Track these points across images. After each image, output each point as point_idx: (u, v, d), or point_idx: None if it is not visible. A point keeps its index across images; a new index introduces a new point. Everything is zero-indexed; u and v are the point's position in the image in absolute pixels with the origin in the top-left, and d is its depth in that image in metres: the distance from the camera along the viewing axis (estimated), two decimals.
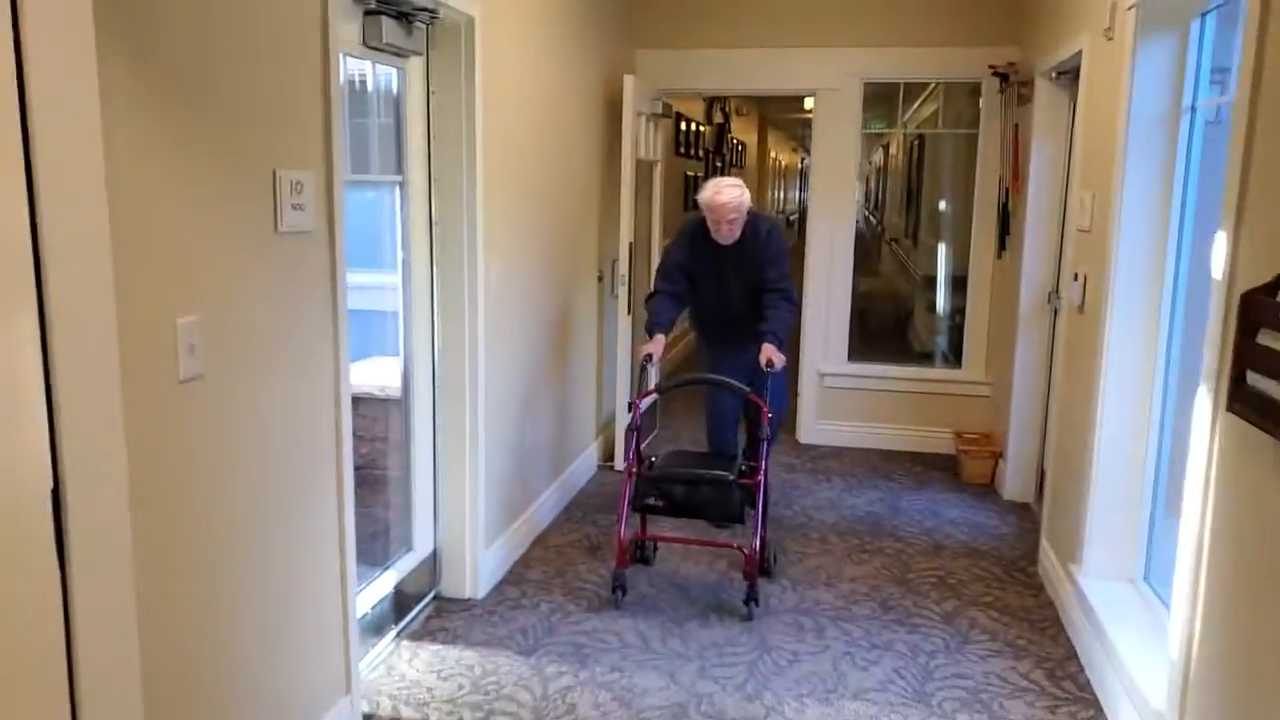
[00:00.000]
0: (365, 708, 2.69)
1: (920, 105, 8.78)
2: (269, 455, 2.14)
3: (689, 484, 3.48)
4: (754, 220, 3.91)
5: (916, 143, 9.57)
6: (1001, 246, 5.01)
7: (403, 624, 3.16)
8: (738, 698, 2.82)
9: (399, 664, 2.96)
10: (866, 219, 21.50)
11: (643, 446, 3.62)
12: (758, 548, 3.38)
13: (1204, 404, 2.13)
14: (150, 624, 1.73)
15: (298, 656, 2.31)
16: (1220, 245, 2.10)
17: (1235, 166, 2.03)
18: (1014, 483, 4.65)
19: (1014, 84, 4.73)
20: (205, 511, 1.93)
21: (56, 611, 1.35)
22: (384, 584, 3.07)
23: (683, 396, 6.40)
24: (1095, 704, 2.83)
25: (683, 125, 7.64)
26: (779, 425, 4.21)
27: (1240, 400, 1.89)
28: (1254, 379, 1.83)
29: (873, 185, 20.79)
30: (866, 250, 16.78)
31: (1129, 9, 2.87)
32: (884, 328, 8.79)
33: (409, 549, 3.31)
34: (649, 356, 3.77)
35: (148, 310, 1.70)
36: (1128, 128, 2.90)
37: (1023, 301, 4.46)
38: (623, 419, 4.77)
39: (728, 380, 3.63)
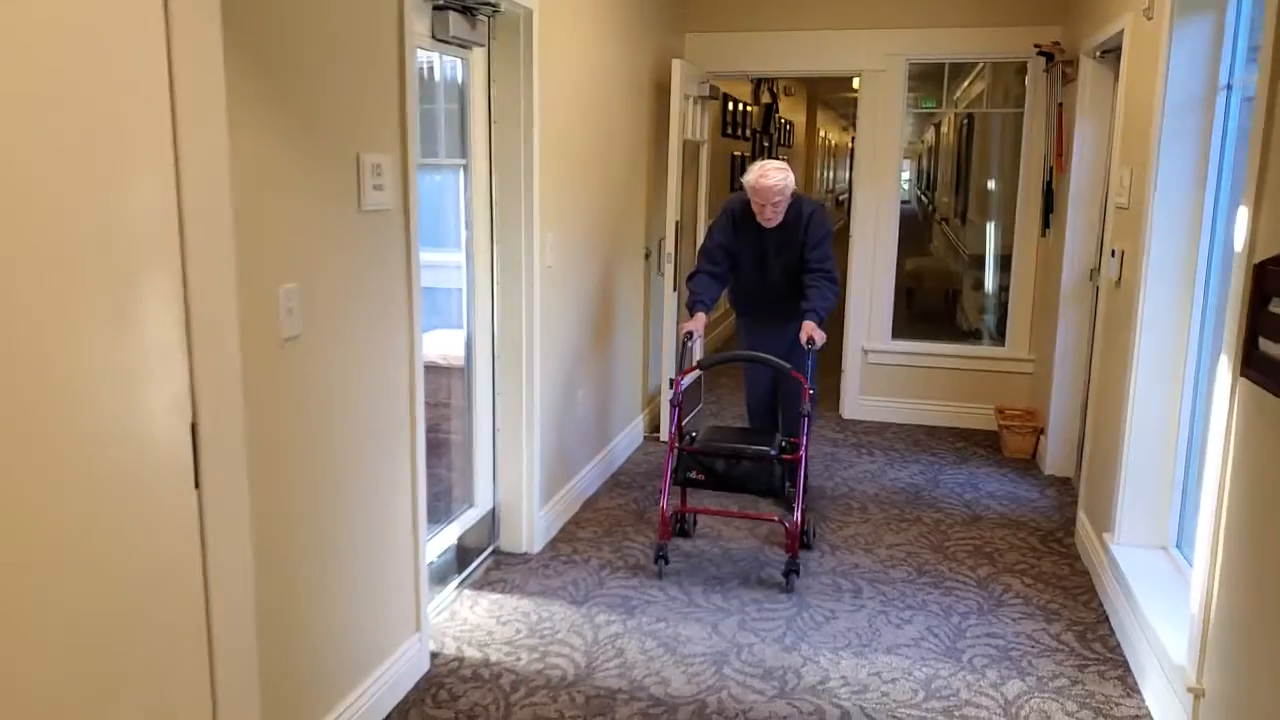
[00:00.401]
0: (432, 647, 2.92)
1: (969, 84, 8.79)
2: (352, 411, 2.36)
3: (730, 458, 3.56)
4: (797, 202, 3.93)
5: (966, 122, 9.57)
6: (1045, 225, 5.08)
7: (464, 574, 3.39)
8: (776, 649, 3.00)
9: (461, 610, 3.19)
10: (919, 199, 21.35)
11: (686, 421, 3.79)
12: (798, 521, 3.45)
13: (1224, 371, 2.25)
14: (255, 554, 1.95)
15: (375, 597, 2.54)
16: (1242, 219, 2.21)
17: (1256, 143, 2.14)
18: (1055, 457, 4.74)
19: (1058, 63, 4.78)
20: (299, 457, 2.15)
21: (194, 523, 1.57)
22: (448, 537, 3.30)
23: (728, 372, 6.56)
24: (1123, 664, 2.96)
25: (730, 105, 7.74)
26: (814, 402, 4.32)
27: (1253, 365, 2.01)
28: (1265, 345, 1.95)
29: (925, 165, 20.61)
30: (918, 230, 16.73)
31: None
32: (933, 306, 8.84)
33: (470, 505, 3.53)
34: (690, 334, 3.86)
35: (256, 278, 1.92)
36: (1165, 106, 2.99)
37: (1065, 279, 4.54)
38: (667, 393, 4.95)
39: (769, 357, 3.68)
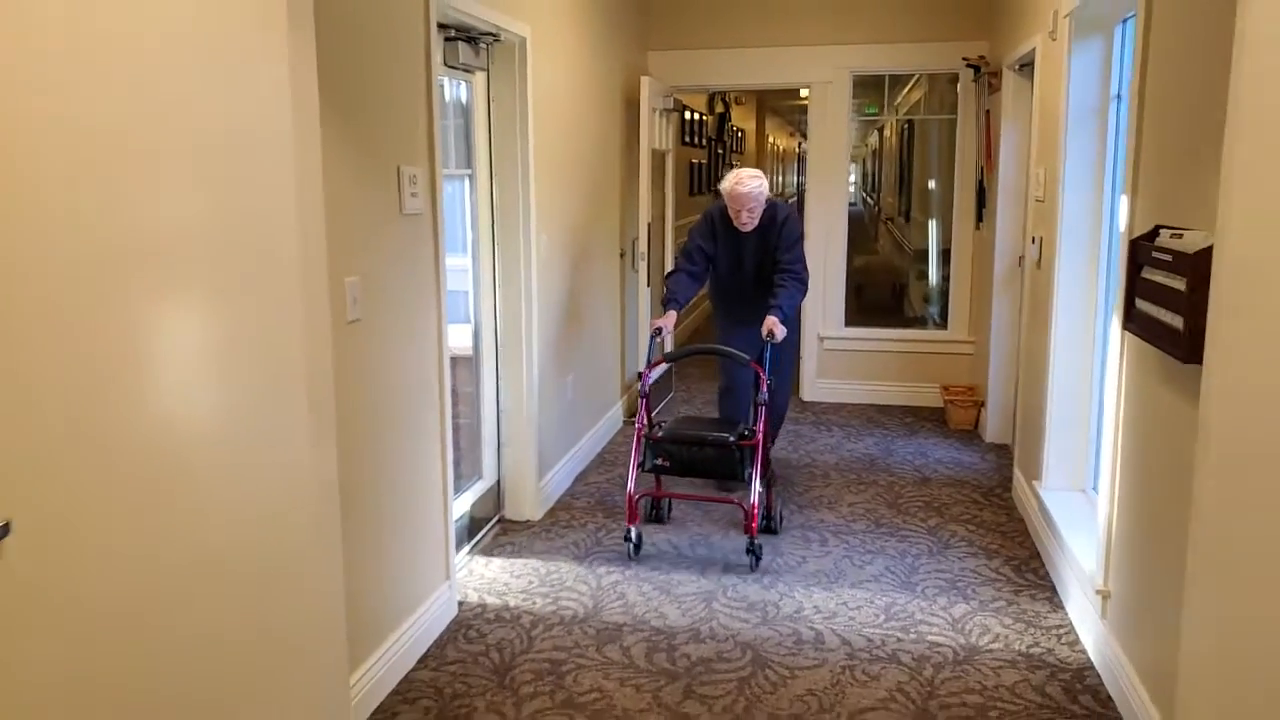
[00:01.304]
0: (458, 596, 3.34)
1: (909, 91, 9.40)
2: (397, 384, 2.79)
3: (692, 446, 3.74)
4: (772, 208, 4.18)
5: (906, 127, 10.18)
6: (979, 219, 5.64)
7: (476, 539, 3.82)
8: (756, 587, 3.47)
9: (478, 568, 3.62)
10: (865, 200, 22.09)
11: (657, 410, 4.18)
12: (754, 504, 3.61)
13: (1115, 328, 2.77)
14: None
15: (413, 549, 2.96)
16: (1124, 206, 2.73)
17: (1130, 145, 2.67)
18: (994, 426, 5.29)
19: (985, 75, 5.35)
20: (358, 423, 2.57)
21: (308, 475, 1.98)
22: (461, 506, 3.71)
23: (698, 363, 7.03)
24: (1050, 587, 3.48)
25: (687, 115, 8.24)
26: (786, 398, 4.52)
27: (1132, 320, 2.53)
28: (1140, 304, 2.47)
29: (870, 168, 21.34)
30: (864, 229, 17.39)
31: (1065, 16, 3.50)
32: (881, 298, 9.43)
33: (479, 478, 3.96)
34: (659, 329, 4.02)
35: (332, 270, 2.34)
36: (1068, 113, 3.52)
37: (997, 266, 5.09)
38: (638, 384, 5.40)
39: (729, 350, 3.93)
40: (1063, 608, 3.31)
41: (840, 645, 3.06)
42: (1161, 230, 2.38)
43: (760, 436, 3.74)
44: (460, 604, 3.31)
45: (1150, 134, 2.57)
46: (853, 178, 26.70)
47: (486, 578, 3.55)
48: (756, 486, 3.67)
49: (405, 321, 2.84)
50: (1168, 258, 2.23)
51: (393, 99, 2.72)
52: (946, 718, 2.66)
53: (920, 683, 2.84)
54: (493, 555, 3.77)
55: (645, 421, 3.83)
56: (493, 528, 3.99)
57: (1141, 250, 2.44)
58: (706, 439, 3.74)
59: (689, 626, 3.18)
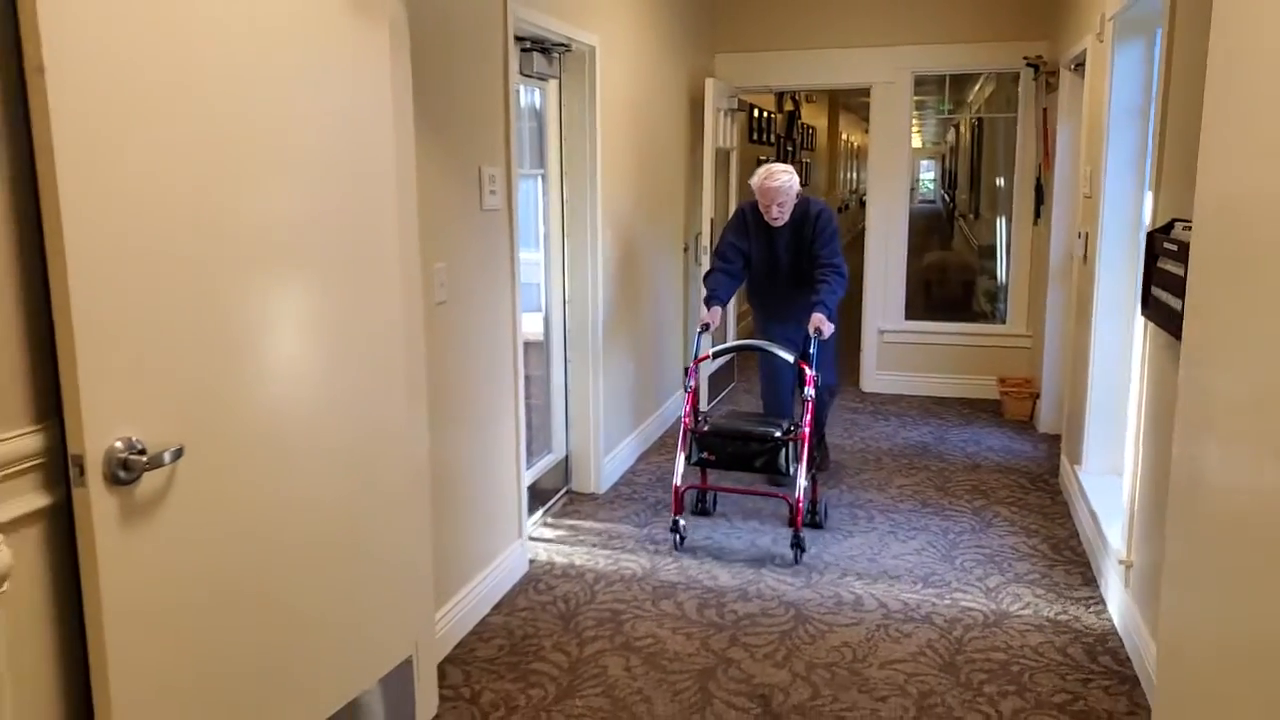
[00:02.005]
0: (529, 555, 3.68)
1: (980, 88, 9.46)
2: (477, 360, 3.13)
3: (737, 440, 3.80)
4: (804, 203, 4.21)
5: (977, 124, 10.24)
6: (1037, 215, 5.77)
7: (546, 506, 4.16)
8: (804, 557, 3.73)
9: (546, 531, 3.95)
10: (942, 197, 21.93)
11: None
12: (799, 498, 3.68)
13: (1139, 315, 2.96)
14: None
15: (491, 508, 3.30)
16: (1147, 202, 2.92)
17: (1155, 144, 2.85)
18: (1048, 417, 5.42)
19: (1044, 74, 5.48)
20: (444, 391, 2.91)
21: (405, 428, 2.32)
22: (532, 476, 4.06)
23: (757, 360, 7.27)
24: (1084, 563, 3.66)
25: (755, 112, 8.47)
26: (831, 392, 4.56)
27: (1149, 307, 2.72)
28: (1157, 292, 2.66)
29: (948, 164, 21.18)
30: (941, 226, 17.33)
31: (1110, 18, 3.66)
32: (952, 294, 9.52)
33: (549, 451, 4.30)
34: (705, 326, 4.11)
35: (424, 257, 2.69)
36: (1110, 111, 3.69)
37: (1052, 261, 5.23)
38: (705, 368, 5.68)
39: (771, 346, 3.96)
40: (1094, 581, 3.49)
41: (877, 607, 3.30)
42: (1176, 223, 2.58)
43: (806, 431, 3.81)
44: (531, 561, 3.65)
45: (1172, 133, 2.76)
46: (932, 174, 26.50)
47: (554, 539, 3.88)
48: (802, 481, 3.73)
49: (484, 306, 3.18)
50: (1175, 247, 2.43)
51: (475, 105, 3.06)
52: (971, 670, 2.89)
53: (949, 641, 3.07)
54: (561, 519, 4.10)
55: (691, 415, 3.89)
56: (561, 497, 4.33)
57: (1156, 242, 2.63)
58: (752, 433, 3.80)
59: (737, 587, 3.46)
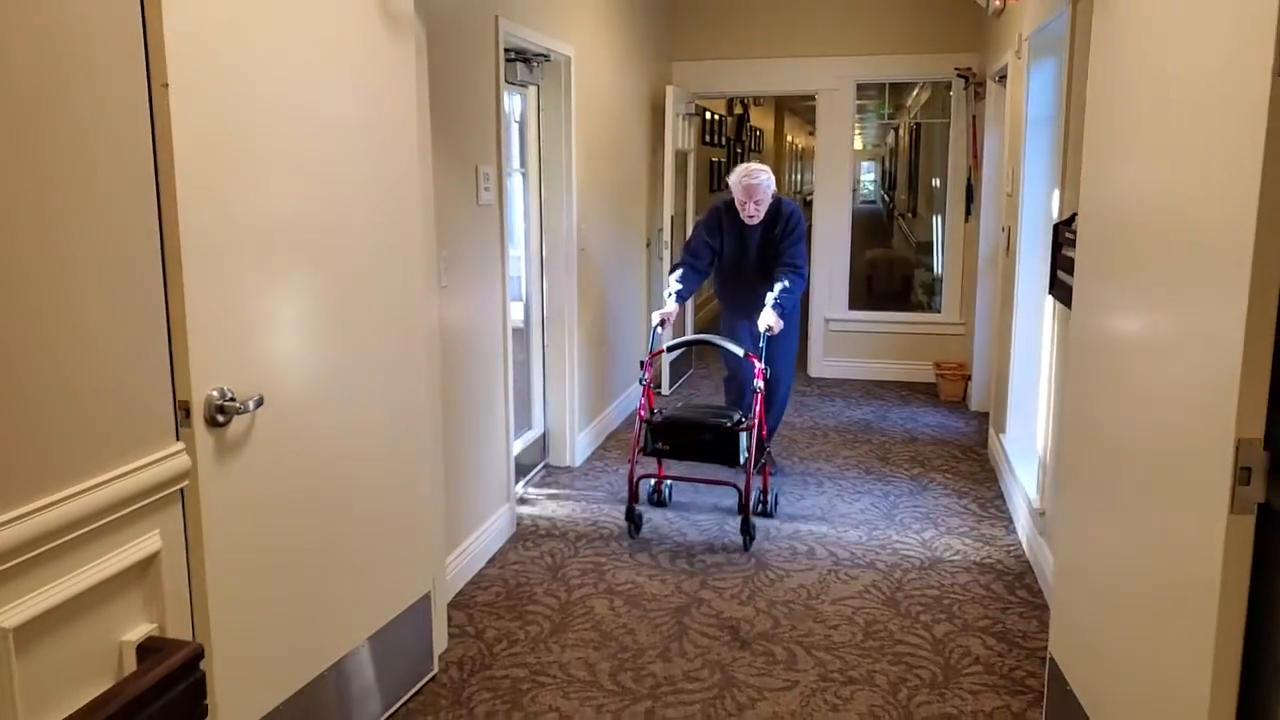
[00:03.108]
0: (515, 517, 4.06)
1: (918, 93, 10.04)
2: (474, 339, 3.51)
3: (691, 430, 3.93)
4: (777, 203, 4.35)
5: (915, 129, 10.82)
6: (968, 213, 6.30)
7: (527, 478, 4.54)
8: (761, 517, 4.16)
9: (529, 499, 4.34)
10: (882, 198, 22.66)
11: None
12: (745, 487, 3.80)
13: (1048, 297, 3.45)
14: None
15: (484, 473, 3.68)
16: (1055, 198, 3.41)
17: (1059, 149, 3.34)
18: (979, 397, 5.95)
19: (973, 84, 6.01)
20: (447, 365, 3.28)
21: (427, 403, 2.70)
22: (515, 449, 4.43)
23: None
24: (1007, 518, 4.15)
25: (707, 115, 8.91)
26: (787, 388, 4.66)
27: (1055, 288, 3.20)
28: (1059, 274, 3.14)
29: (887, 166, 21.89)
30: (881, 225, 17.98)
31: (1025, 38, 4.16)
32: (892, 288, 10.08)
33: (529, 428, 4.68)
34: (662, 321, 4.26)
35: (430, 245, 3.06)
36: (1026, 119, 4.19)
37: (981, 254, 5.75)
38: (666, 357, 6.09)
39: (725, 342, 4.14)
40: (1015, 532, 3.99)
41: (828, 556, 3.76)
42: (1076, 216, 3.06)
43: (756, 422, 3.94)
44: (518, 522, 4.04)
45: (1074, 140, 3.24)
46: (872, 176, 27.31)
47: (536, 506, 4.27)
48: (751, 470, 3.86)
49: (478, 291, 3.56)
50: (1074, 236, 2.91)
51: (472, 110, 3.44)
52: (909, 603, 3.35)
53: (891, 581, 3.53)
54: (541, 489, 4.49)
55: (647, 407, 4.00)
56: (540, 470, 4.72)
57: (1060, 232, 3.12)
58: (705, 423, 3.92)
59: (704, 542, 3.88)
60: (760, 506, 4.15)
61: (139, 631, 1.34)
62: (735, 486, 3.99)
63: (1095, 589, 2.19)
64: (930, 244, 9.49)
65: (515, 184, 4.50)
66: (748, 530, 3.83)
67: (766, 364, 4.12)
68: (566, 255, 4.66)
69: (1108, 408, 2.13)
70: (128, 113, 1.47)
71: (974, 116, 6.02)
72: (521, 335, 4.69)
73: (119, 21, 1.56)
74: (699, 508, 4.27)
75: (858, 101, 7.11)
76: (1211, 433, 1.55)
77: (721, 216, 4.46)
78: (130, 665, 1.31)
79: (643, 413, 4.01)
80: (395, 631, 2.64)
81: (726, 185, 4.55)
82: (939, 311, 6.94)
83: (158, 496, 1.37)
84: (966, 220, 6.38)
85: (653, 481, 4.29)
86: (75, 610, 1.23)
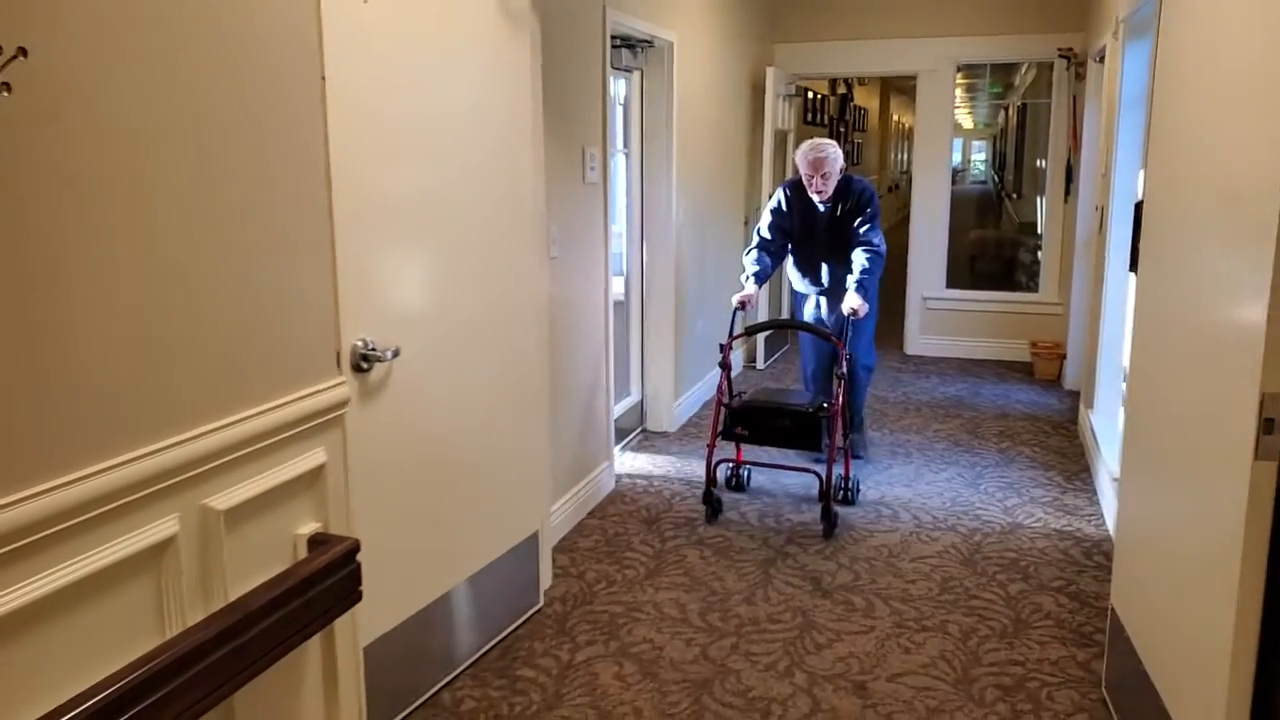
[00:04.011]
0: (615, 474, 4.36)
1: (1025, 73, 9.90)
2: (579, 309, 3.81)
3: (770, 415, 3.90)
4: (847, 181, 4.22)
5: (1021, 109, 10.65)
6: (1067, 193, 6.28)
7: (625, 441, 4.84)
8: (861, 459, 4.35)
9: (627, 460, 4.64)
10: (993, 178, 22.14)
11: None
12: (827, 475, 3.75)
13: (1131, 275, 3.54)
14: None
15: (587, 431, 3.98)
16: (1140, 178, 3.49)
17: (1146, 128, 3.41)
18: (1073, 376, 5.96)
19: (1075, 64, 5.99)
20: (554, 332, 3.59)
21: (541, 377, 3.01)
22: (616, 412, 4.74)
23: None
24: (1092, 490, 4.24)
25: (810, 95, 9.01)
26: (868, 371, 4.57)
27: (1135, 265, 3.30)
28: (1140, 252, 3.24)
29: (998, 146, 21.38)
30: (990, 206, 17.65)
31: (1121, 20, 4.20)
32: (996, 268, 10.03)
33: (628, 394, 4.98)
34: (742, 304, 4.18)
35: (541, 220, 3.36)
36: (1120, 101, 4.24)
37: (1079, 234, 5.76)
38: (760, 335, 6.29)
39: (806, 323, 4.12)
40: (1098, 503, 4.08)
41: (910, 520, 3.94)
42: None
43: (838, 407, 3.89)
44: (617, 480, 4.34)
45: (1159, 120, 3.32)
46: (984, 155, 26.65)
47: (634, 467, 4.57)
48: (832, 458, 3.81)
49: (583, 263, 3.85)
50: None
51: (580, 94, 3.72)
52: (986, 564, 3.51)
53: (970, 544, 3.69)
54: (639, 451, 4.79)
55: (725, 391, 3.95)
56: (638, 434, 5.01)
57: (1141, 210, 3.21)
58: (784, 408, 3.89)
59: (792, 500, 4.11)
60: (841, 494, 4.06)
61: (309, 527, 1.66)
62: (816, 473, 3.95)
63: (1149, 542, 2.35)
64: (1034, 224, 9.39)
65: (619, 164, 4.78)
66: (829, 517, 3.76)
67: (849, 348, 4.04)
68: (666, 232, 4.92)
69: (1161, 373, 2.28)
70: (310, 99, 1.76)
71: (1075, 97, 6.00)
72: (622, 308, 4.97)
73: (305, 27, 1.87)
74: (778, 492, 4.49)
75: (968, 80, 7.15)
76: (1240, 388, 1.72)
77: (789, 197, 4.34)
78: (302, 553, 1.64)
79: (721, 396, 3.96)
80: (506, 565, 2.97)
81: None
82: (1037, 290, 6.93)
83: (325, 419, 1.69)
84: (1066, 201, 6.36)
85: (730, 466, 4.24)
86: (265, 504, 1.56)
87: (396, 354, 2.38)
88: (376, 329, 2.34)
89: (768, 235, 4.38)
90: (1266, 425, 1.68)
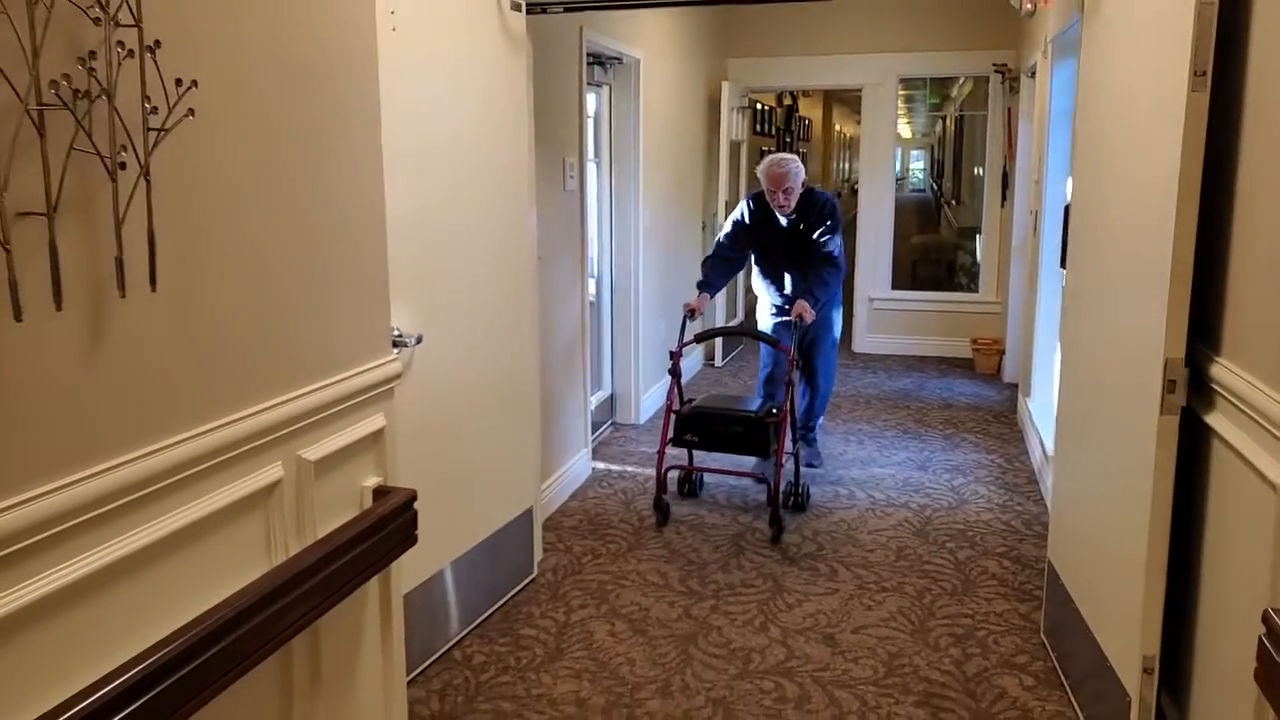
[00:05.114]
0: (591, 463, 4.65)
1: (961, 85, 10.43)
2: (560, 305, 4.09)
3: (720, 421, 3.94)
4: (809, 193, 4.25)
5: (959, 120, 11.20)
6: (1003, 199, 6.74)
7: (597, 433, 5.13)
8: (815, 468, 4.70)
9: (601, 449, 4.93)
10: (931, 186, 22.93)
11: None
12: (775, 480, 3.77)
13: (1058, 267, 3.94)
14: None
15: (564, 418, 4.26)
16: (1069, 184, 3.90)
17: (1076, 140, 3.82)
18: (1011, 369, 6.40)
19: (1009, 79, 6.45)
20: (543, 329, 3.87)
21: (534, 356, 3.28)
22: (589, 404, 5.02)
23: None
24: (1031, 471, 4.64)
25: (758, 107, 9.41)
26: (829, 380, 4.63)
27: (1065, 261, 3.69)
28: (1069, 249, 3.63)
29: (936, 155, 22.15)
30: (929, 212, 18.31)
31: (1050, 40, 4.63)
32: (936, 272, 10.54)
33: (599, 388, 5.27)
34: (691, 311, 4.19)
35: (531, 224, 3.63)
36: (1050, 114, 4.66)
37: (1014, 238, 6.21)
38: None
39: (758, 331, 4.28)
40: (1035, 481, 4.48)
41: (866, 498, 4.29)
42: None
43: (785, 413, 3.92)
44: (592, 468, 4.63)
45: (1084, 132, 3.72)
46: (921, 164, 27.54)
47: (607, 455, 4.86)
48: (780, 463, 3.84)
49: (563, 264, 4.14)
50: None
51: (560, 108, 4.01)
52: (936, 534, 3.87)
53: (922, 518, 4.05)
54: (610, 444, 5.07)
55: (675, 397, 3.99)
56: (608, 426, 5.30)
57: (1069, 212, 3.61)
58: (734, 415, 3.92)
59: (757, 486, 4.43)
60: (791, 499, 4.07)
61: (372, 480, 1.92)
62: (764, 479, 3.97)
63: (1079, 496, 2.71)
64: (974, 229, 9.90)
65: (590, 172, 5.07)
66: (777, 523, 3.78)
67: (805, 357, 4.08)
68: (633, 236, 5.22)
69: (1085, 348, 2.66)
70: (370, 122, 2.00)
71: (1009, 109, 6.46)
72: (594, 307, 5.26)
73: (367, 63, 2.13)
74: (732, 497, 4.79)
75: (906, 91, 7.58)
76: (1148, 354, 2.07)
77: (753, 209, 4.36)
78: (368, 502, 1.90)
79: (671, 403, 3.98)
80: (504, 537, 3.24)
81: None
82: (977, 291, 7.39)
83: (383, 389, 1.96)
84: (1003, 206, 6.82)
85: (680, 473, 4.27)
86: (342, 458, 1.82)
87: (420, 340, 2.65)
88: (406, 319, 2.60)
89: (726, 245, 4.42)
90: (1169, 386, 2.04)
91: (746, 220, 4.38)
